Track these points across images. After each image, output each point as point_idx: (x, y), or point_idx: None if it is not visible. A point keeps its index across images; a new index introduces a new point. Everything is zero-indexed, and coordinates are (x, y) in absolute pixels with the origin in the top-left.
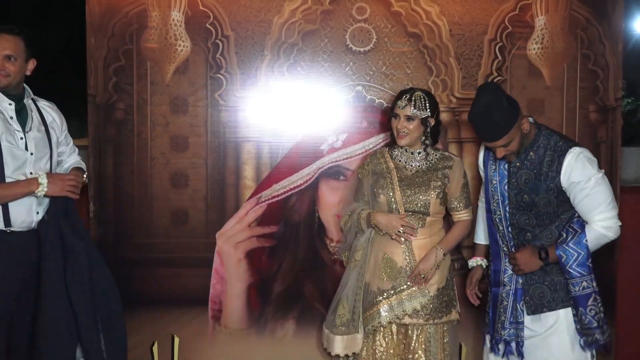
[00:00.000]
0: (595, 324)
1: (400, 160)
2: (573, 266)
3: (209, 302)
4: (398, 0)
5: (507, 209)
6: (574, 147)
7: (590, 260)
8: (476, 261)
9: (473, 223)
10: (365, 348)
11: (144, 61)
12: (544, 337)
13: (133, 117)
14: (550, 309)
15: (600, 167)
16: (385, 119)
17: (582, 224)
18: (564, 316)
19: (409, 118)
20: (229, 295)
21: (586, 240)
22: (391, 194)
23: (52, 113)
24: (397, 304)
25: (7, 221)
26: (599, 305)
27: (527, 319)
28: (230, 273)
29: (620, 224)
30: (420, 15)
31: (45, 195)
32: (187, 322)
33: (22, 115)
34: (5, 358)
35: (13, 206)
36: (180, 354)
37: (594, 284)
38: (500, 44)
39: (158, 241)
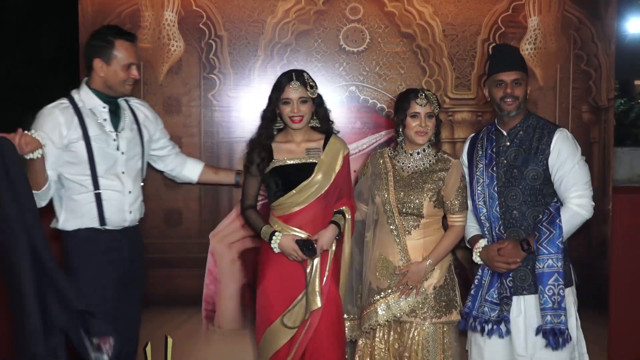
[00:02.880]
0: (550, 305)
1: (398, 161)
2: (543, 243)
3: (202, 303)
4: (391, 0)
5: (496, 188)
6: (562, 128)
7: (561, 240)
8: (483, 241)
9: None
10: (363, 346)
11: None
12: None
13: None
14: (530, 292)
15: (592, 167)
16: (379, 119)
17: (558, 207)
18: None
19: (430, 115)
20: (222, 295)
21: (559, 221)
22: (386, 195)
23: (144, 110)
24: (394, 303)
25: (102, 219)
26: (559, 287)
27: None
28: (224, 273)
29: (593, 204)
30: (413, 16)
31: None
32: (181, 322)
33: (117, 115)
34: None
35: (107, 205)
36: (174, 354)
37: (559, 265)
38: (494, 44)
39: (151, 241)
